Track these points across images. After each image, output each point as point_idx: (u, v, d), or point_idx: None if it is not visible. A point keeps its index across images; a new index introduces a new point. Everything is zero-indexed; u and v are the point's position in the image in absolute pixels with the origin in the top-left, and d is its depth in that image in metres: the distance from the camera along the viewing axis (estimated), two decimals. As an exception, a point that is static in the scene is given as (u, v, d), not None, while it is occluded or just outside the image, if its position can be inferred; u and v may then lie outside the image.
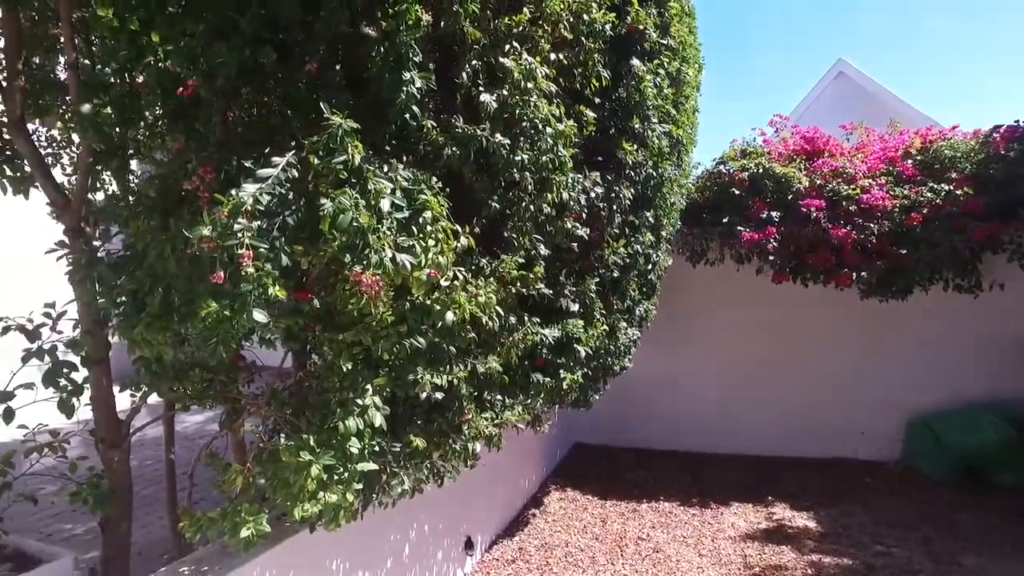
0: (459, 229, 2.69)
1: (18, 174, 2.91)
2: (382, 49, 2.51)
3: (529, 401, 3.78)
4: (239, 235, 2.00)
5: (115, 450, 2.69)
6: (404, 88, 2.53)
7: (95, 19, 2.65)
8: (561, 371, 3.97)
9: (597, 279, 4.20)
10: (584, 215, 3.72)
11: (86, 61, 2.70)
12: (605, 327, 4.39)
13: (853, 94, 11.88)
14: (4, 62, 2.61)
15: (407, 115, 2.63)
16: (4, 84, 2.62)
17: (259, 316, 2.09)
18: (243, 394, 2.88)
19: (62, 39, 2.83)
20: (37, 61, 2.96)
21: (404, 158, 2.70)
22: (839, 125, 7.91)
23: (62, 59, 3.16)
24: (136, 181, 2.72)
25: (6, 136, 2.82)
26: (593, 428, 7.97)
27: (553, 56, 3.28)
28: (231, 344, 2.14)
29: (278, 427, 2.59)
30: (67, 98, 3.09)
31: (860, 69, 12.28)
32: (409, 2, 2.47)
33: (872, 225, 5.98)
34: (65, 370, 2.47)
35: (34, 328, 2.51)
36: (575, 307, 3.98)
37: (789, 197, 6.41)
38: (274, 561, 2.69)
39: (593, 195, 3.76)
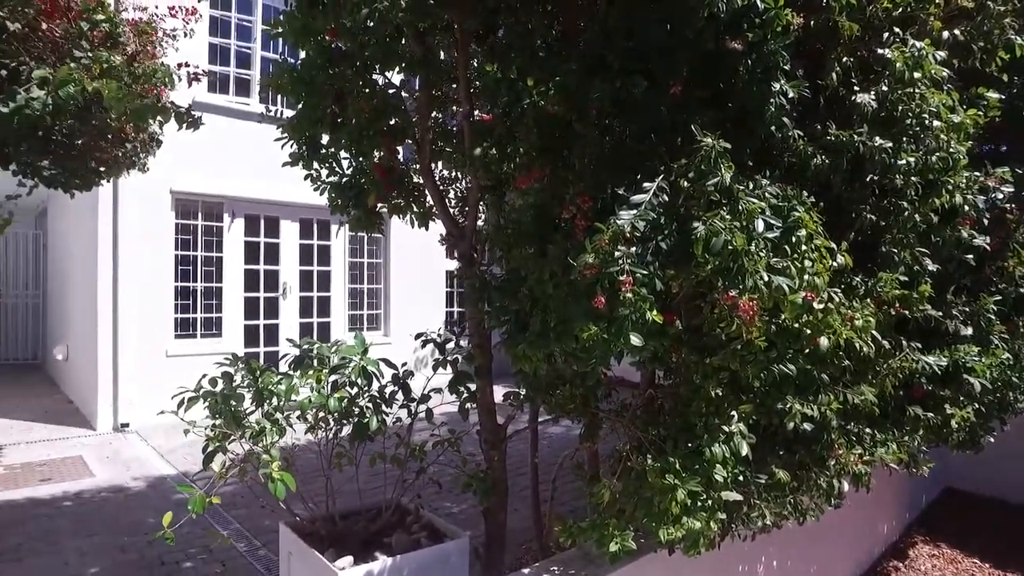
0: (834, 246, 2.44)
1: (421, 210, 3.52)
2: (748, 62, 2.41)
3: (905, 438, 3.26)
4: (619, 261, 2.09)
5: (495, 450, 3.06)
6: (773, 100, 2.39)
7: (481, 73, 3.07)
8: (946, 405, 3.35)
9: (997, 296, 3.45)
10: (985, 220, 3.08)
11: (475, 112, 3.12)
12: (1007, 355, 3.58)
13: None
14: (419, 122, 3.16)
15: (773, 127, 2.48)
16: (419, 139, 3.19)
17: (635, 340, 2.14)
18: (601, 409, 3.03)
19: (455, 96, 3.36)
20: (436, 116, 3.55)
21: (766, 172, 2.55)
22: None
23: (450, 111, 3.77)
24: (509, 211, 3.05)
25: (415, 180, 3.42)
26: (971, 471, 6.61)
27: (946, 34, 2.79)
28: (607, 364, 2.25)
29: (642, 446, 2.65)
30: (452, 143, 3.63)
31: None
32: (778, 8, 2.33)
33: None
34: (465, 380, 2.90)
35: (443, 341, 3.00)
36: (966, 330, 3.33)
37: None
38: (633, 574, 2.76)
39: (997, 196, 3.09)
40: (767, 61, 2.37)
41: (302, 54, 3.27)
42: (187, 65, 3.91)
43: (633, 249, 2.16)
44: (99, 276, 6.97)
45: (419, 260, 9.64)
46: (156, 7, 4.39)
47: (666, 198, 2.28)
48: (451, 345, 3.06)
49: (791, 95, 2.34)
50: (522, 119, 2.82)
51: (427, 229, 3.66)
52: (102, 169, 4.74)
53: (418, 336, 3.10)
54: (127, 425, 7.05)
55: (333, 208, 3.44)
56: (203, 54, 7.56)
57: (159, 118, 2.90)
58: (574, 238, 2.46)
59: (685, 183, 2.30)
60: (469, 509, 4.64)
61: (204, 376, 2.53)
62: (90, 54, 3.39)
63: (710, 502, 2.38)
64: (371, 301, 9.43)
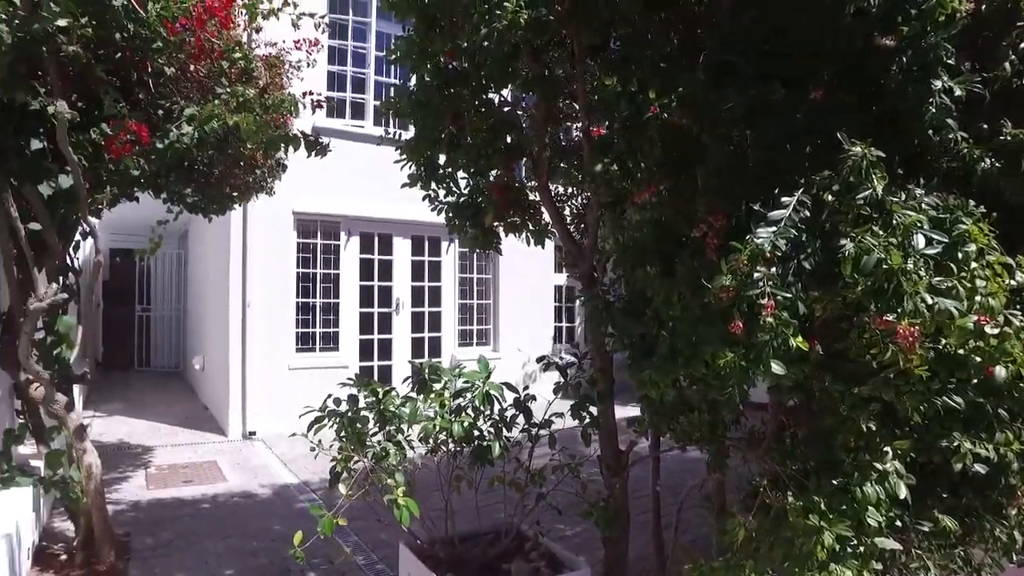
0: (1012, 262, 2.14)
1: (537, 228, 3.48)
2: (902, 59, 2.18)
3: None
4: (760, 284, 1.93)
5: (617, 477, 2.94)
6: (932, 99, 2.14)
7: (601, 87, 2.99)
8: None
9: None
10: None
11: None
12: None
13: None
14: (535, 139, 3.12)
15: (931, 130, 2.23)
16: (535, 156, 3.15)
17: (777, 368, 1.97)
18: (730, 437, 2.83)
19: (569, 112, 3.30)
20: (551, 133, 3.51)
21: (919, 181, 2.29)
22: None
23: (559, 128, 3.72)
24: (629, 229, 2.93)
25: (531, 197, 3.39)
26: None
27: None
28: (744, 393, 2.09)
29: (779, 480, 2.44)
30: (567, 159, 3.57)
31: None
32: (940, -4, 2.08)
33: None
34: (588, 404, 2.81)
35: (564, 365, 2.93)
36: None
37: None
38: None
39: None
40: (925, 56, 2.13)
41: (416, 78, 3.34)
42: (311, 93, 4.10)
43: (773, 270, 1.99)
44: (230, 293, 7.49)
45: (528, 275, 9.66)
46: (283, 41, 4.66)
47: (807, 213, 2.09)
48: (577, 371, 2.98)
49: (957, 92, 2.08)
50: (644, 132, 2.71)
51: (543, 247, 3.61)
52: (235, 194, 5.09)
53: (540, 359, 3.04)
54: (254, 433, 7.50)
55: (451, 228, 3.47)
56: (322, 81, 7.98)
57: (290, 146, 3.04)
58: (704, 257, 2.32)
59: (829, 196, 2.10)
60: (584, 533, 4.52)
61: (329, 396, 2.59)
62: (229, 90, 3.64)
63: (862, 548, 2.14)
64: (480, 316, 9.55)
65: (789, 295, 1.96)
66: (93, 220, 3.46)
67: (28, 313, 3.03)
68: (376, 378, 8.45)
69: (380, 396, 2.45)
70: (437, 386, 2.56)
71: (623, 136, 2.85)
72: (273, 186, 5.31)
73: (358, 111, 8.62)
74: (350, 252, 8.36)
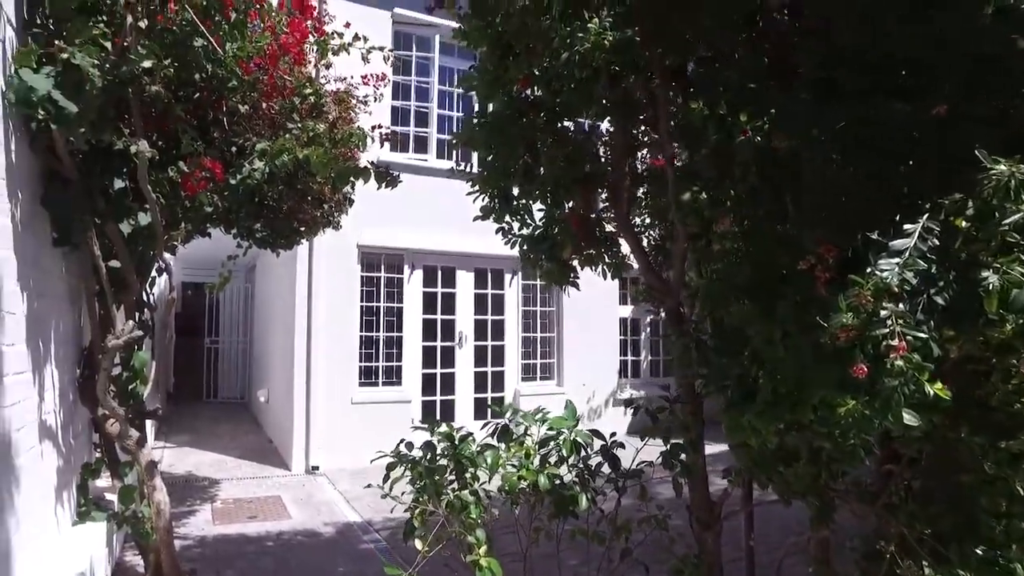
0: None
1: (614, 261, 3.31)
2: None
3: None
4: (888, 322, 1.70)
5: (709, 531, 2.69)
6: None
7: (687, 111, 2.83)
8: None
9: None
10: None
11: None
12: None
13: None
14: (614, 168, 2.98)
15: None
16: (614, 185, 3.00)
17: (910, 418, 1.73)
18: (835, 489, 2.55)
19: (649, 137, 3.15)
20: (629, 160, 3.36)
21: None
22: None
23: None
24: (721, 261, 2.73)
25: (608, 228, 3.23)
26: None
27: None
28: (869, 445, 1.85)
29: (905, 542, 2.15)
30: (646, 189, 3.40)
31: None
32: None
33: None
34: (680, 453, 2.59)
35: (656, 409, 2.72)
36: None
37: None
38: None
39: None
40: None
41: (491, 107, 3.26)
42: (379, 127, 4.10)
43: (901, 306, 1.76)
44: (296, 326, 7.56)
45: (591, 308, 9.44)
46: (351, 76, 4.71)
47: (935, 241, 1.86)
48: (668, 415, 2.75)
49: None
50: (736, 158, 2.53)
51: (618, 280, 3.43)
52: (303, 229, 5.12)
53: (628, 403, 2.81)
54: (317, 468, 7.48)
55: (525, 262, 3.33)
56: (386, 116, 8.10)
57: (360, 179, 2.99)
58: (812, 291, 2.10)
59: (962, 222, 1.86)
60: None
61: (401, 441, 2.45)
62: (299, 125, 3.65)
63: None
64: (544, 350, 9.36)
65: (922, 335, 1.72)
66: (168, 256, 3.50)
67: (106, 350, 3.04)
68: (439, 413, 8.35)
69: (456, 441, 2.30)
70: (516, 428, 2.39)
71: (712, 162, 2.68)
72: (340, 220, 5.34)
73: (421, 145, 8.71)
74: (413, 285, 8.35)
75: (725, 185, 2.64)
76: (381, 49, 4.00)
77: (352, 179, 2.92)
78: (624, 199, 3.05)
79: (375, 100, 4.87)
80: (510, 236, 3.32)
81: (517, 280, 9.04)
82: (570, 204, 3.13)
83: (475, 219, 3.32)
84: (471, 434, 2.42)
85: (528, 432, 2.39)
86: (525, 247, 3.28)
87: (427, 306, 8.43)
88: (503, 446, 2.28)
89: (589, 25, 2.37)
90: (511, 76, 2.95)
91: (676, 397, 2.67)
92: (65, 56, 2.25)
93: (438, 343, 8.48)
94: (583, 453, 2.41)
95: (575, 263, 3.27)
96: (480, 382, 8.74)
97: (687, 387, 2.65)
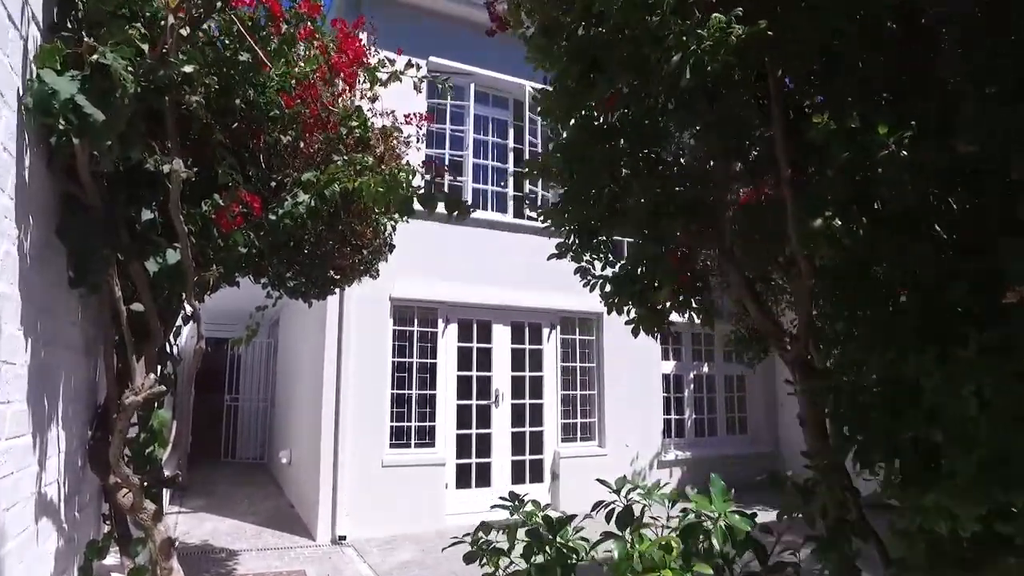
0: None
1: (704, 306, 2.85)
2: None
3: None
4: None
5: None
6: None
7: (815, 128, 2.42)
8: None
9: None
10: None
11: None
12: None
13: None
14: (716, 196, 2.55)
15: None
16: (714, 215, 2.57)
17: None
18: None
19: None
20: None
21: None
22: None
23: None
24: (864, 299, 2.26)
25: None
26: None
27: None
28: None
29: None
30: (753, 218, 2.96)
31: None
32: None
33: None
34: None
35: (808, 483, 2.19)
36: None
37: None
38: None
39: None
40: None
41: (564, 134, 2.89)
42: (433, 161, 3.76)
43: None
44: (324, 384, 7.09)
45: (634, 363, 8.91)
46: (393, 112, 4.42)
47: None
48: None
49: None
50: (876, 175, 2.10)
51: (712, 329, 2.95)
52: (338, 277, 4.74)
53: (775, 480, 2.19)
54: (344, 538, 6.86)
55: (609, 307, 2.87)
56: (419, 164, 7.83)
57: (426, 207, 2.58)
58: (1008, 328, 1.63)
59: None
60: None
61: (481, 524, 1.95)
62: (346, 157, 3.30)
63: None
64: (584, 408, 8.77)
65: None
66: (196, 304, 3.09)
67: (123, 408, 2.61)
68: (474, 477, 7.75)
69: (555, 527, 1.80)
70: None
71: (842, 181, 2.24)
72: (378, 268, 4.95)
73: (455, 195, 8.40)
74: (448, 340, 7.89)
75: (856, 209, 2.20)
76: (435, 76, 3.68)
77: (423, 206, 2.50)
78: (727, 232, 2.61)
79: (418, 141, 4.58)
80: (590, 278, 2.87)
81: (555, 335, 8.55)
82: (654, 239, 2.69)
83: (549, 258, 2.89)
84: (573, 516, 1.92)
85: (650, 514, 1.88)
86: (609, 289, 2.83)
87: (462, 362, 7.93)
88: (628, 535, 1.77)
89: (710, 20, 1.98)
90: (597, 94, 2.58)
91: (827, 465, 2.13)
92: (95, 57, 1.90)
93: (473, 401, 7.94)
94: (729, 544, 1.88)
95: (667, 307, 2.81)
96: (517, 443, 8.14)
97: (830, 462, 2.10)
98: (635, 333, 2.91)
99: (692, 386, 9.92)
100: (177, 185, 2.26)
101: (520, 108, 8.85)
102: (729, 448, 9.91)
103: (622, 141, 2.61)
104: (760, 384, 10.39)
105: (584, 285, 2.92)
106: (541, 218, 2.93)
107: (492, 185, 8.70)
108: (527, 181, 8.01)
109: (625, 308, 2.78)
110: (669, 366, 9.64)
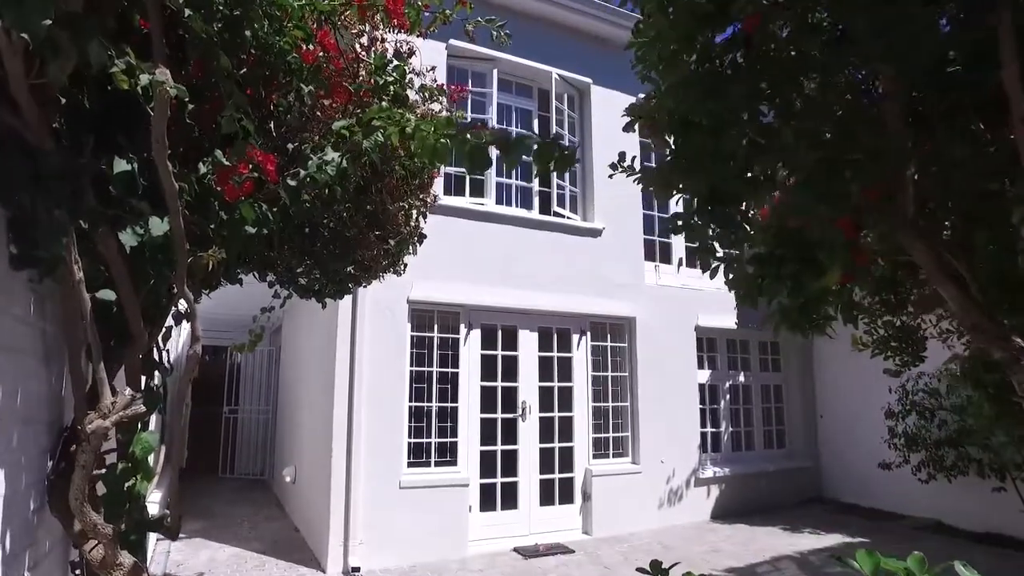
0: None
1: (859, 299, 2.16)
2: None
3: None
4: None
5: None
6: None
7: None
8: None
9: None
10: None
11: None
12: None
13: None
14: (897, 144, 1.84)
15: None
16: (893, 171, 1.86)
17: None
18: None
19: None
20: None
21: None
22: None
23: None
24: None
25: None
26: None
27: None
28: None
29: None
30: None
31: None
32: None
33: None
34: None
35: None
36: None
37: None
38: None
39: None
40: None
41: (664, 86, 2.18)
42: (483, 126, 3.05)
43: None
44: (335, 397, 6.35)
45: (669, 372, 8.20)
46: (433, 69, 3.74)
47: None
48: None
49: None
50: None
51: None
52: (357, 273, 4.03)
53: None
54: (358, 569, 6.09)
55: (741, 299, 2.16)
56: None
57: (513, 155, 1.89)
58: None
59: None
60: None
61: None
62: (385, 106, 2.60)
63: None
64: (616, 421, 8.02)
65: None
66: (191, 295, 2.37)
67: (84, 436, 1.89)
68: (500, 498, 7.00)
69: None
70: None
71: None
72: (405, 261, 4.25)
73: (477, 188, 7.70)
74: (470, 347, 7.15)
75: None
76: (492, 20, 2.99)
77: (505, 155, 1.81)
78: (909, 195, 1.91)
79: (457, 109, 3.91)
80: (715, 260, 2.15)
81: (585, 341, 7.82)
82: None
83: (668, 230, 2.18)
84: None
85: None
86: (738, 275, 2.12)
87: (486, 371, 7.19)
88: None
89: None
90: (736, 8, 1.88)
91: None
92: None
93: (498, 415, 7.18)
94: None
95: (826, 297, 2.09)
96: (546, 460, 7.38)
97: None
98: (776, 331, 2.21)
99: (728, 397, 9.19)
100: (163, 110, 1.55)
101: (545, 97, 8.17)
102: (768, 464, 9.15)
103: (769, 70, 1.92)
104: (798, 395, 9.66)
105: (704, 271, 2.21)
106: (642, 184, 2.23)
107: (517, 180, 8.00)
108: (563, 169, 7.31)
109: (771, 299, 2.07)
110: (704, 375, 8.91)
